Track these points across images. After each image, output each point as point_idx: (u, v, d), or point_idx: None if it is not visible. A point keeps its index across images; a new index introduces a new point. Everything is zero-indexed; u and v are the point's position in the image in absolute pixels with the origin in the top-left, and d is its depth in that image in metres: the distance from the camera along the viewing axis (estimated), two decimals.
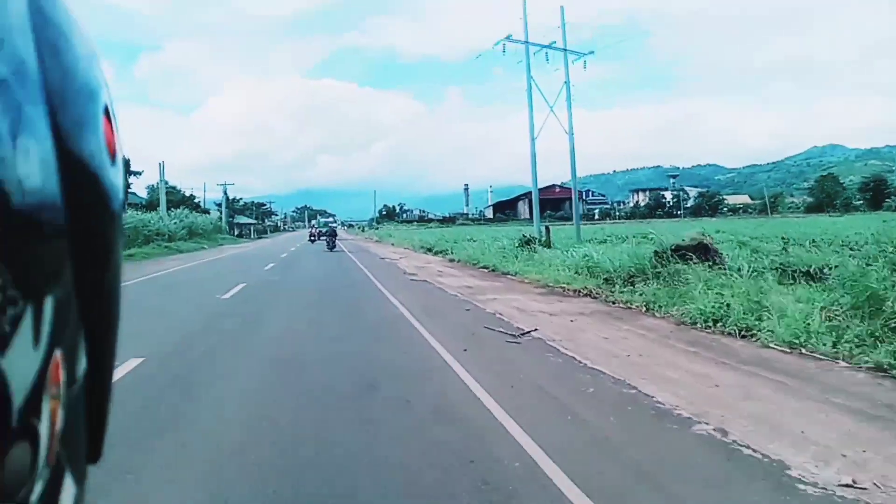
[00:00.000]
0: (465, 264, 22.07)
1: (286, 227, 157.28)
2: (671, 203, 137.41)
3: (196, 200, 69.43)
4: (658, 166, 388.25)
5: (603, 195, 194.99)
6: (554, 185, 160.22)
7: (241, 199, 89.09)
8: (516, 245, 21.27)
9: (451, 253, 26.61)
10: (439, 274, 18.60)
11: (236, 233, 71.21)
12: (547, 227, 23.67)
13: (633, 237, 21.64)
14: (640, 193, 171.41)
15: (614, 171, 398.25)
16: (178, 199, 64.12)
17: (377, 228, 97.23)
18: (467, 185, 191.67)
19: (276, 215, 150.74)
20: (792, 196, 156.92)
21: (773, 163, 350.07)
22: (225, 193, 69.74)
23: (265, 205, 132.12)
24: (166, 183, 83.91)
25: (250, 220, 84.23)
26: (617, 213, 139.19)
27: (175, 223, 42.35)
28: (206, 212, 66.13)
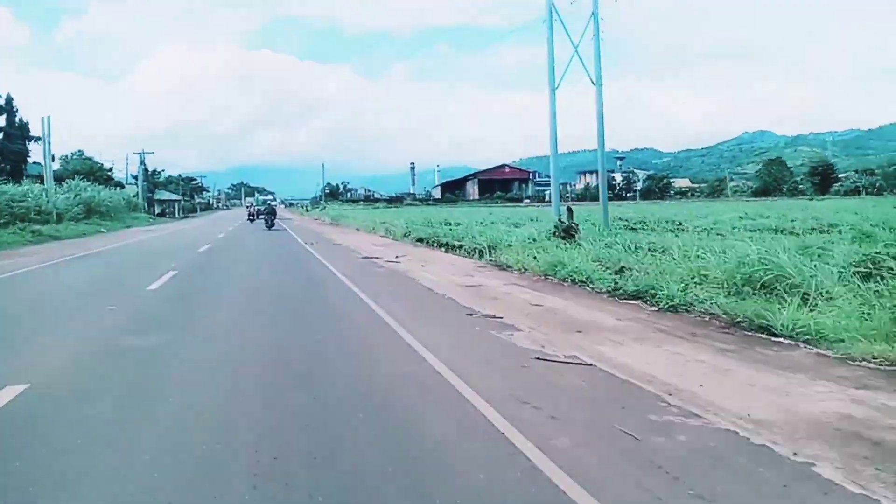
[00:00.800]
0: (544, 278, 12.08)
1: (220, 204, 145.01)
2: (621, 185, 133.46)
3: (110, 173, 59.16)
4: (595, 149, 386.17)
5: (547, 176, 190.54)
6: (504, 165, 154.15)
7: (162, 171, 77.66)
8: (553, 234, 13.96)
9: (486, 252, 17.00)
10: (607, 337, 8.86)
11: (157, 211, 60.90)
12: (570, 209, 16.60)
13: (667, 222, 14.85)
14: (588, 175, 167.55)
15: (497, 165, 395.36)
16: (88, 171, 53.93)
17: (324, 208, 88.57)
18: (413, 164, 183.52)
19: (209, 191, 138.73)
20: (732, 180, 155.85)
21: (707, 147, 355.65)
22: (142, 163, 58.92)
23: (195, 179, 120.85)
24: (80, 154, 72.25)
25: (175, 196, 73.29)
26: (568, 196, 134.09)
27: (66, 199, 32.89)
28: (120, 185, 56.22)
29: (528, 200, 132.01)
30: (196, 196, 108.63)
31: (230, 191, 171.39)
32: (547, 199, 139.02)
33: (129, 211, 47.10)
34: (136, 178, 57.64)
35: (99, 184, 51.80)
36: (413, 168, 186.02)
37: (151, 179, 64.49)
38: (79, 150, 70.42)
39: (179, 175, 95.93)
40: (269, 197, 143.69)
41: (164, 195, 65.47)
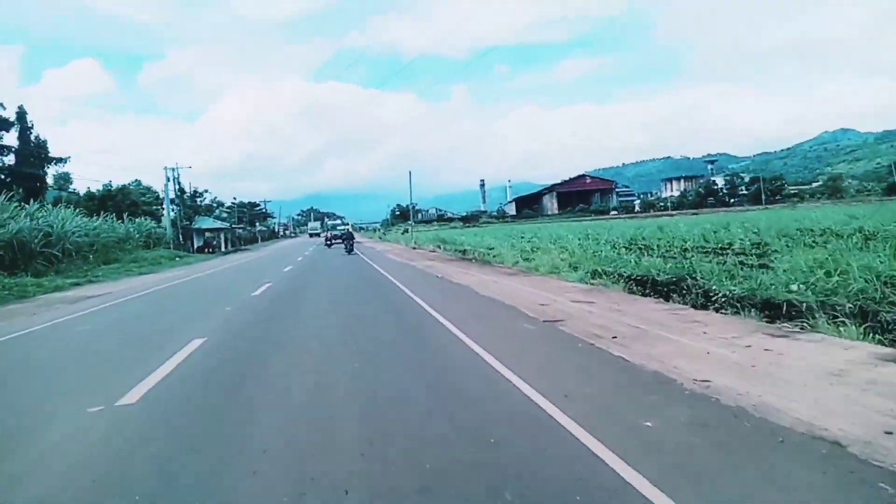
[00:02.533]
0: None
1: (288, 232, 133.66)
2: (724, 190, 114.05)
3: (145, 196, 46.53)
4: (668, 157, 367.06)
5: (628, 187, 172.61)
6: (583, 175, 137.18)
7: (205, 192, 64.41)
8: None
9: None
10: None
11: (197, 244, 48.58)
12: None
13: None
14: (674, 182, 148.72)
15: (623, 164, 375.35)
16: (118, 198, 41.49)
17: (405, 231, 74.63)
18: (483, 180, 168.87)
19: (274, 218, 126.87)
20: (843, 180, 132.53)
21: (787, 149, 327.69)
22: (171, 180, 45.37)
23: (258, 205, 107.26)
24: (138, 183, 61.30)
25: (220, 224, 57.13)
26: (660, 205, 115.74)
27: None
28: (154, 217, 43.49)
29: (615, 212, 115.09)
30: (258, 224, 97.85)
31: (299, 217, 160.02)
32: (637, 209, 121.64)
33: (143, 247, 34.07)
34: (172, 201, 44.43)
35: (134, 216, 39.71)
36: (483, 185, 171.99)
37: (189, 203, 51.72)
38: (135, 180, 59.46)
39: (235, 200, 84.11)
40: (338, 222, 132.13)
41: (207, 223, 51.89)
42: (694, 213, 68.80)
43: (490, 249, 22.40)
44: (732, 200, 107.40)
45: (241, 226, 76.35)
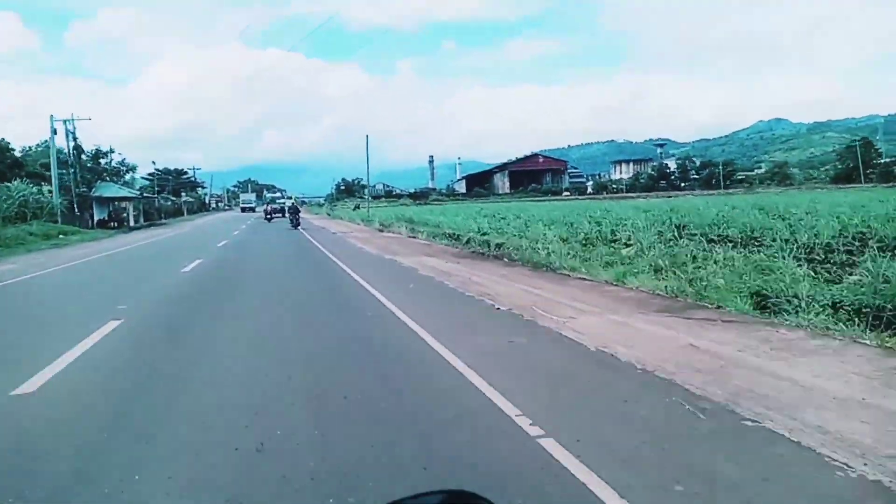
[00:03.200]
0: None
1: (221, 204, 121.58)
2: (676, 174, 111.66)
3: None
4: (612, 140, 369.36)
5: (576, 168, 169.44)
6: (536, 155, 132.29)
7: (110, 153, 48.81)
8: None
9: None
10: None
11: (100, 217, 39.34)
12: None
13: None
14: (623, 165, 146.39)
15: (569, 146, 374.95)
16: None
17: (357, 206, 67.08)
18: (432, 157, 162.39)
19: (204, 188, 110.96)
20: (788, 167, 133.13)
21: (725, 136, 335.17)
22: (72, 137, 36.75)
23: (186, 173, 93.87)
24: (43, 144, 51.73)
25: (127, 193, 45.50)
26: (613, 187, 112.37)
27: None
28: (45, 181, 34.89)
29: (567, 192, 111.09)
30: (185, 194, 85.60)
31: (236, 188, 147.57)
32: (591, 191, 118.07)
33: (15, 220, 26.07)
34: (65, 163, 35.78)
35: (17, 179, 31.37)
36: (431, 161, 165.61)
37: (90, 165, 42.37)
38: (43, 141, 49.66)
39: (155, 164, 72.71)
40: (278, 194, 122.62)
41: (111, 191, 42.40)
42: (647, 197, 64.67)
43: (523, 239, 15.45)
44: (684, 185, 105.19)
45: (164, 195, 66.61)
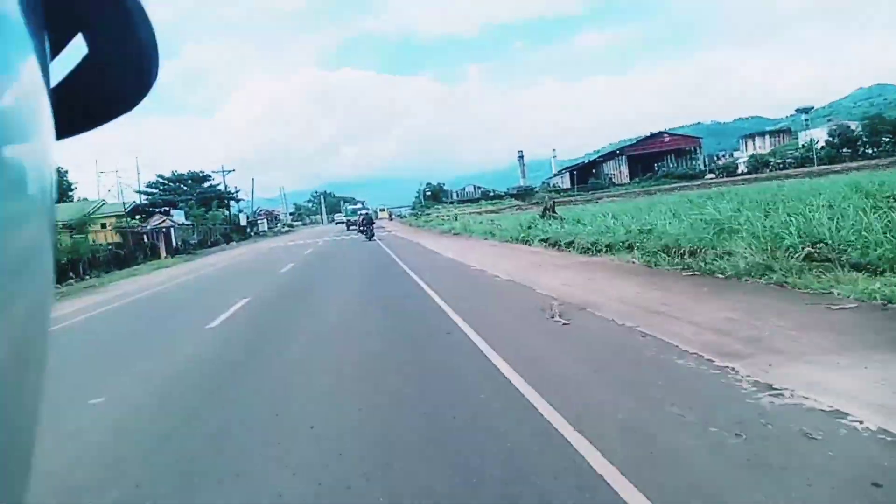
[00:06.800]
0: None
1: (282, 225, 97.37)
2: (827, 145, 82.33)
3: None
4: (698, 123, 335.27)
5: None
6: (661, 134, 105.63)
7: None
8: None
9: None
10: None
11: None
12: None
13: None
14: (757, 139, 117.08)
15: (650, 133, 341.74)
16: None
17: (453, 217, 44.21)
18: (521, 152, 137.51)
19: (242, 200, 71.98)
20: None
21: (827, 107, 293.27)
22: None
23: (209, 178, 60.00)
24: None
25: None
26: (776, 163, 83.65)
27: None
28: None
29: (712, 175, 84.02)
30: (211, 207, 54.17)
31: (310, 203, 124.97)
32: (741, 171, 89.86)
33: None
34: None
35: None
36: (521, 157, 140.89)
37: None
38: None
39: (176, 174, 50.61)
40: (359, 205, 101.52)
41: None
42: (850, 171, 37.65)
43: None
44: (871, 152, 75.68)
45: (173, 209, 45.28)
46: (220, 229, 50.76)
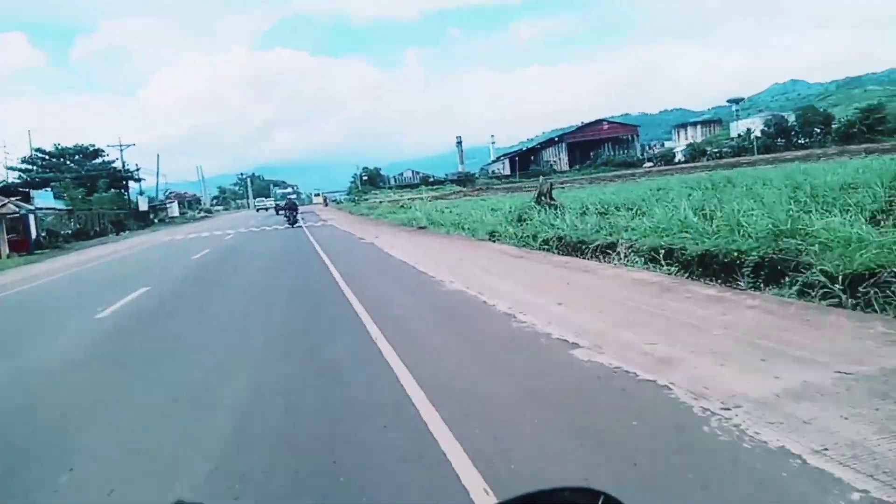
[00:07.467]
0: None
1: (199, 211, 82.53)
2: (765, 134, 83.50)
3: None
4: (627, 114, 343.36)
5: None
6: (601, 121, 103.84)
7: None
8: None
9: None
10: None
11: None
12: None
13: None
14: (689, 129, 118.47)
15: (582, 123, 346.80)
16: None
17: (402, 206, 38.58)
18: (460, 137, 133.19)
19: (143, 180, 59.51)
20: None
21: (747, 99, 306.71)
22: None
23: (102, 152, 50.03)
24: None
25: None
26: (716, 152, 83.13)
27: None
28: None
29: (650, 164, 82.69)
30: (97, 192, 44.03)
31: (236, 187, 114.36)
32: (678, 160, 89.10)
33: None
34: None
35: None
36: (460, 143, 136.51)
37: None
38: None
39: (58, 147, 43.01)
40: (288, 190, 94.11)
41: None
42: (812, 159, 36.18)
43: None
44: (808, 142, 76.60)
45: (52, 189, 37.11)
46: (113, 216, 42.73)
